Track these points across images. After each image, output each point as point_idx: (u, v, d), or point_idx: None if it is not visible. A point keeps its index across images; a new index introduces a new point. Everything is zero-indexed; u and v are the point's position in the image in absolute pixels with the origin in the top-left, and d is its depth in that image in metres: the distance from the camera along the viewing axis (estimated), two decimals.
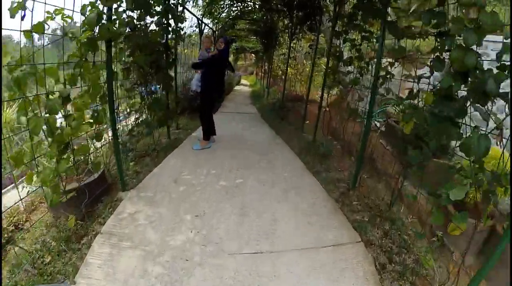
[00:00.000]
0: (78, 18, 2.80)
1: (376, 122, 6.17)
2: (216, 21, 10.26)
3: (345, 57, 4.58)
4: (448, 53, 2.12)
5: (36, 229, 2.82)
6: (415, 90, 2.61)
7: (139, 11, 3.89)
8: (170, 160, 4.54)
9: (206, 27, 9.22)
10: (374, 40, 3.67)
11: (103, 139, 3.78)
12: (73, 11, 2.66)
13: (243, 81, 28.27)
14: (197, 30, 7.83)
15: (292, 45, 8.97)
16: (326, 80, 5.04)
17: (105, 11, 2.96)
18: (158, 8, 4.57)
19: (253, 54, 28.28)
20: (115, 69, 3.43)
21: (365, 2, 3.41)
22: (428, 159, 2.51)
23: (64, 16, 2.59)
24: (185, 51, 8.79)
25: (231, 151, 5.12)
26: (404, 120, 2.54)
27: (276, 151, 5.31)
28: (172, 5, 4.78)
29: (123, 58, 3.86)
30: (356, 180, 3.75)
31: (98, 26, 2.82)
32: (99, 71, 2.94)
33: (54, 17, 2.53)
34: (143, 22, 4.05)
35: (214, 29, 10.84)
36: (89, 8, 2.94)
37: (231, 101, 12.09)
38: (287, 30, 9.09)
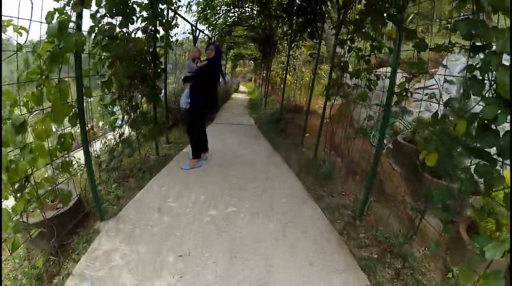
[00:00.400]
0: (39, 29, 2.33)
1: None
2: (212, 27, 9.87)
3: (350, 68, 4.16)
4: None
5: (8, 261, 2.53)
6: (440, 113, 2.17)
7: (120, 17, 3.49)
8: (156, 181, 4.08)
9: (201, 33, 8.82)
10: (386, 50, 3.20)
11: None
12: (30, 20, 2.20)
13: (241, 87, 28.05)
14: (191, 36, 7.43)
15: (291, 53, 8.57)
16: (328, 93, 4.59)
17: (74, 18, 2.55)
18: (144, 14, 4.17)
19: (251, 61, 28.00)
20: (88, 85, 3.00)
21: (376, 7, 2.98)
22: (455, 199, 2.08)
23: (18, 28, 2.13)
24: (182, 57, 8.39)
25: (224, 171, 4.63)
26: (426, 149, 2.11)
27: (273, 170, 4.81)
28: (160, 10, 4.35)
29: (102, 70, 3.45)
30: (364, 210, 3.31)
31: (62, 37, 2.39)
32: (67, 89, 2.51)
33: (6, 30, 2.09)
34: (125, 29, 3.64)
35: (210, 35, 10.47)
36: (56, 15, 2.52)
37: (228, 110, 11.61)
38: (286, 37, 8.72)
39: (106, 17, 3.31)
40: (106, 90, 3.52)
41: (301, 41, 8.18)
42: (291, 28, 7.56)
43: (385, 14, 2.92)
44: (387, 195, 4.25)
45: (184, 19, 6.52)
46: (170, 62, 6.88)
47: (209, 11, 8.62)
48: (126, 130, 4.19)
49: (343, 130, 4.39)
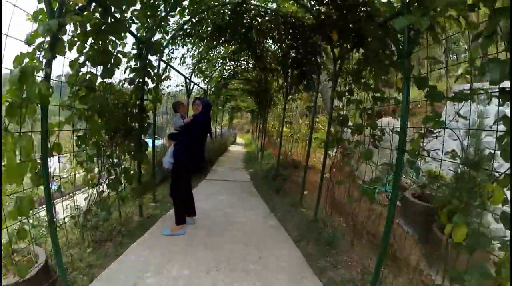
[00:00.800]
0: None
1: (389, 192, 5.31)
2: (207, 80, 9.84)
3: (350, 122, 3.84)
4: None
5: None
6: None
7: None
8: (136, 249, 3.55)
9: (196, 86, 8.71)
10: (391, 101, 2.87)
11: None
12: None
13: (238, 139, 28.19)
14: (185, 89, 7.29)
15: (287, 106, 8.40)
16: (327, 149, 4.25)
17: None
18: (132, 64, 3.97)
19: (249, 113, 28.30)
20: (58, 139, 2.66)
21: (377, 54, 2.73)
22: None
23: None
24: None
25: (213, 238, 4.03)
26: (453, 222, 1.70)
27: (269, 237, 4.19)
28: (149, 61, 4.15)
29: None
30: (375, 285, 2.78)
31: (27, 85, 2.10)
32: (29, 144, 2.17)
33: None
34: (108, 80, 3.38)
35: (206, 88, 10.44)
36: (26, 60, 2.27)
37: (223, 165, 11.19)
38: (281, 90, 8.63)
39: (86, 66, 3.06)
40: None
41: (296, 94, 8.03)
42: (287, 81, 7.44)
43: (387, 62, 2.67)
44: (399, 260, 3.75)
45: (177, 71, 6.39)
46: (159, 113, 6.61)
47: (204, 63, 8.60)
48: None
49: (346, 190, 4.00)
